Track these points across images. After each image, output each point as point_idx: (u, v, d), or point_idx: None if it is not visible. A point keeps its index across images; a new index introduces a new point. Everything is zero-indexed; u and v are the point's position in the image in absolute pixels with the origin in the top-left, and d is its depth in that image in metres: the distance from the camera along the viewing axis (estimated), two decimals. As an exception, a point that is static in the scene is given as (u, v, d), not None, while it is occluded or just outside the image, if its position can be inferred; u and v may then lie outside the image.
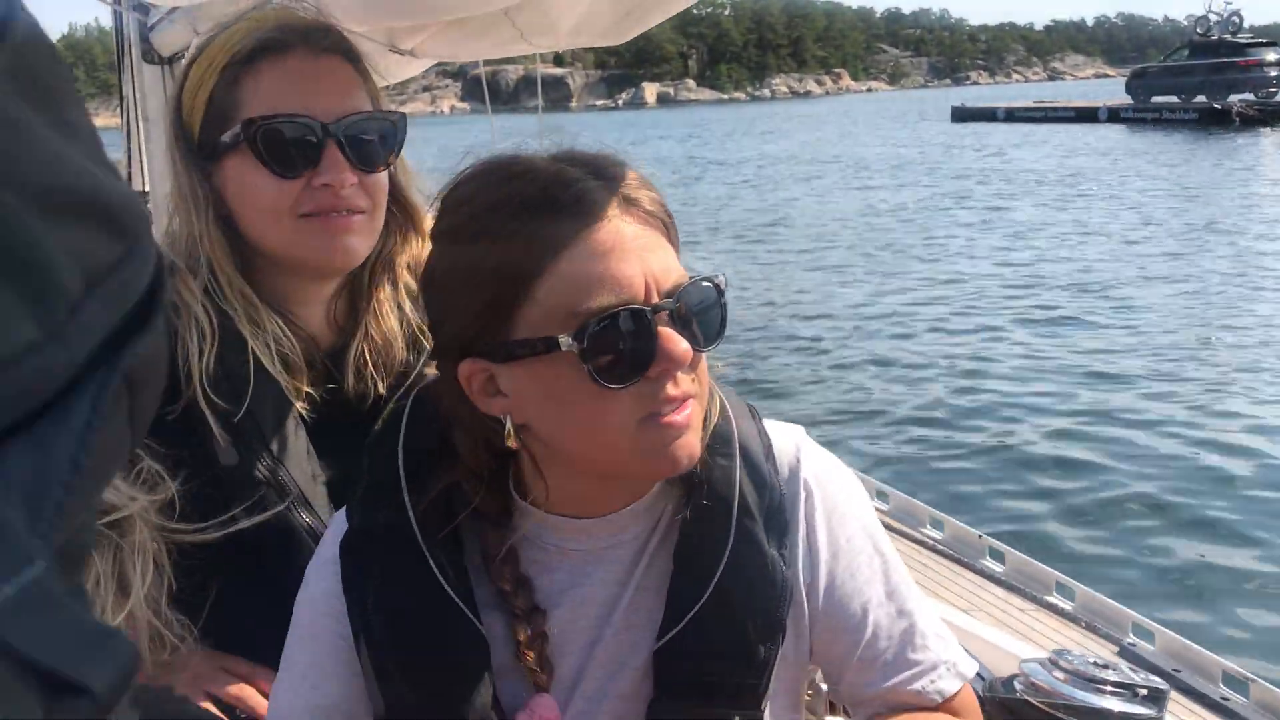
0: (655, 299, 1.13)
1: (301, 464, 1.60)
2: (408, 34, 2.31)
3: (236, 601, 1.55)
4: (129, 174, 4.73)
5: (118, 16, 4.42)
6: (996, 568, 3.67)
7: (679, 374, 1.14)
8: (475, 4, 1.73)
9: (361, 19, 2.03)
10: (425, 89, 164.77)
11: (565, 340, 1.11)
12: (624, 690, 1.26)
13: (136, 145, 4.64)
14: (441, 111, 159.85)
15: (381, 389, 1.69)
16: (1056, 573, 3.55)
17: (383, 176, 1.65)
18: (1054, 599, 3.45)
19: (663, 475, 1.22)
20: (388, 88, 2.09)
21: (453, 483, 1.26)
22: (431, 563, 1.22)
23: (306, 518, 1.56)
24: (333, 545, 1.31)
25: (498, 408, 1.19)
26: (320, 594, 1.30)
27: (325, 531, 1.38)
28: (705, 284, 1.18)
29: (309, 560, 1.40)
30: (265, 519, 1.54)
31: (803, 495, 1.31)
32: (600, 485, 1.26)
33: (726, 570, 1.24)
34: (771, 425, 1.37)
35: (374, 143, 1.62)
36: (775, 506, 1.29)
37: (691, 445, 1.17)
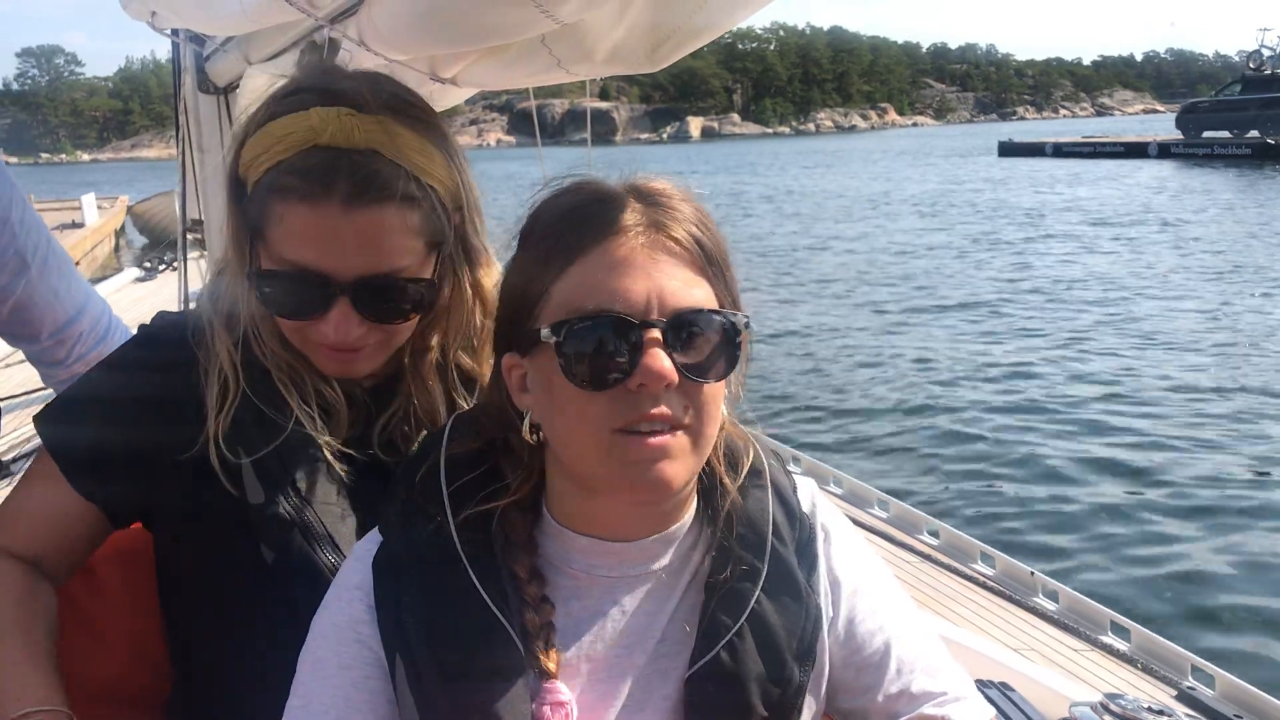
0: (653, 317, 1.15)
1: (329, 503, 1.56)
2: (447, 63, 2.33)
3: (263, 639, 1.53)
4: (183, 202, 4.81)
5: (175, 48, 4.51)
6: (1049, 605, 3.59)
7: (666, 396, 1.15)
8: (511, 31, 1.71)
9: (403, 49, 2.04)
10: (472, 122, 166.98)
11: (545, 331, 1.17)
12: (653, 719, 1.25)
13: (192, 174, 4.73)
14: (488, 144, 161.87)
15: (411, 445, 1.64)
16: (1111, 612, 3.46)
17: (404, 324, 1.57)
18: (1109, 639, 3.35)
19: (636, 496, 1.20)
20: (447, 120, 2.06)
21: (491, 500, 1.28)
22: (472, 574, 1.22)
23: (332, 557, 1.52)
24: (357, 572, 1.31)
25: (525, 402, 1.26)
26: (346, 622, 1.28)
27: (346, 563, 1.36)
28: (716, 317, 1.19)
29: None
30: (290, 558, 1.52)
31: (820, 534, 1.37)
32: (601, 507, 1.26)
33: (762, 596, 1.27)
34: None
35: (395, 299, 1.53)
36: (805, 539, 1.35)
37: (667, 474, 1.16)
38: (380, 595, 1.26)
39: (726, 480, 1.33)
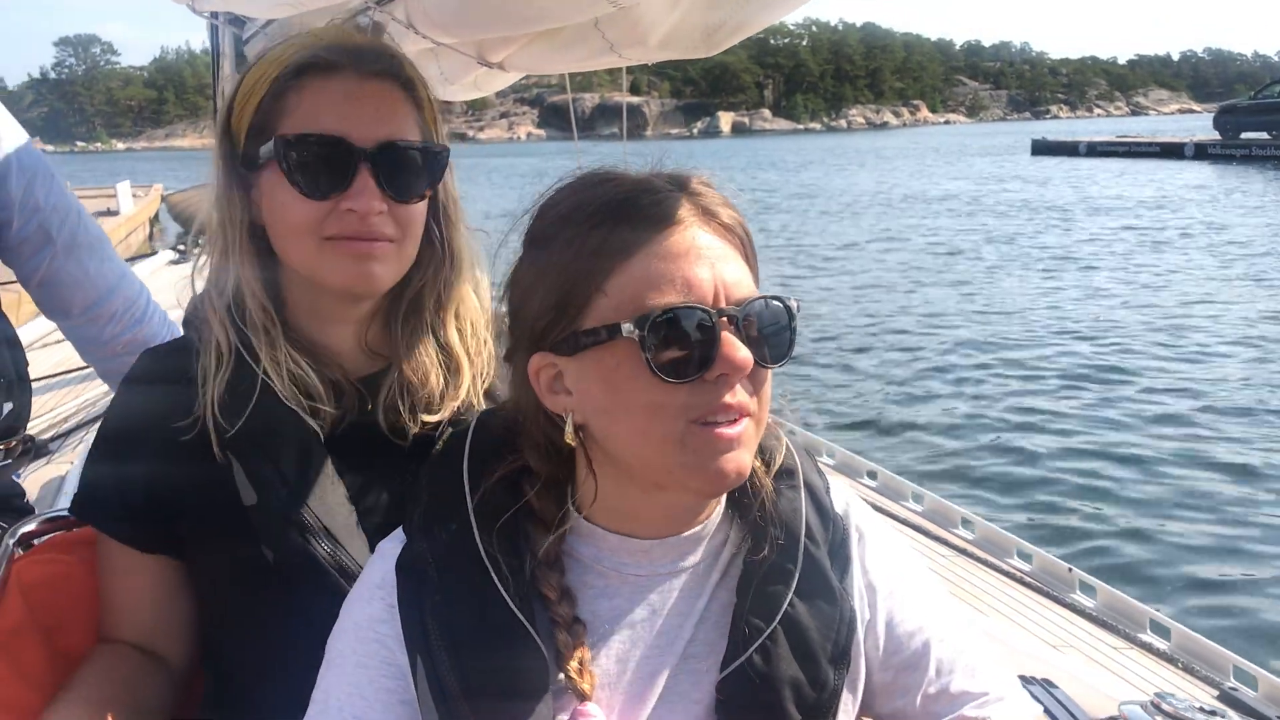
0: (723, 305, 1.15)
1: (324, 496, 1.57)
2: (496, 47, 2.30)
3: (265, 632, 1.57)
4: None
5: (214, 30, 4.51)
6: (1087, 602, 3.56)
7: (738, 385, 1.15)
8: (566, 14, 1.70)
9: (451, 31, 2.03)
10: (502, 115, 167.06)
11: (628, 326, 1.14)
12: None
13: None
14: (518, 138, 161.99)
15: (415, 425, 1.64)
16: (1151, 610, 3.42)
17: (417, 208, 1.60)
18: (1148, 637, 3.32)
19: (709, 487, 1.20)
20: (465, 110, 2.07)
21: (515, 500, 1.28)
22: (495, 579, 1.22)
23: (328, 548, 1.53)
24: (379, 570, 1.31)
25: (561, 404, 1.23)
26: (365, 620, 1.28)
27: (371, 560, 1.36)
28: (775, 302, 1.20)
29: (335, 590, 1.43)
30: (290, 555, 1.53)
31: (855, 536, 1.36)
32: (656, 502, 1.25)
33: (795, 598, 1.26)
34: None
35: (411, 173, 1.57)
36: (838, 540, 1.34)
37: (739, 462, 1.17)
38: (403, 597, 1.26)
39: (760, 476, 1.32)
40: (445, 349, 1.70)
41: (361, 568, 1.47)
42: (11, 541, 1.80)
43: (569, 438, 1.23)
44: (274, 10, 2.82)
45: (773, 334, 1.19)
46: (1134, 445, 9.93)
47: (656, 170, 1.25)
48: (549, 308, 1.21)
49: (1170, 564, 7.25)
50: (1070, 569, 3.71)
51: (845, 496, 1.41)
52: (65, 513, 1.88)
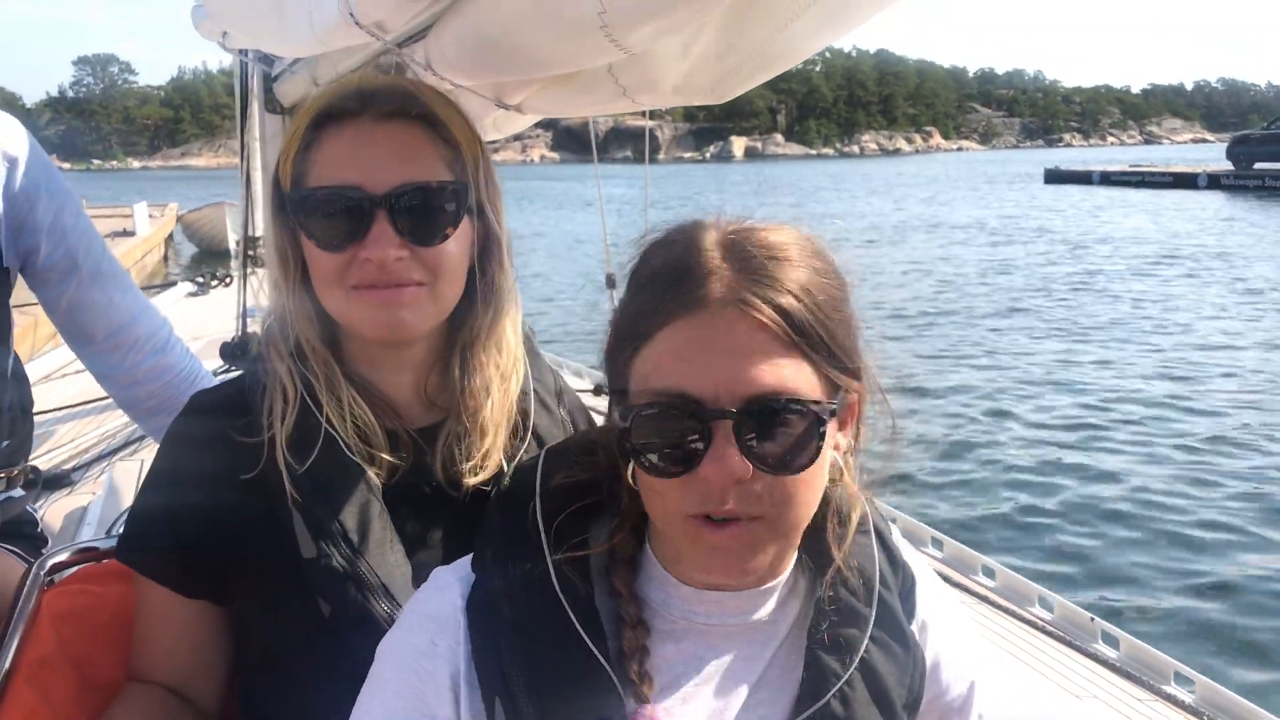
0: (722, 404, 1.09)
1: (383, 551, 1.55)
2: (513, 90, 2.32)
3: (311, 683, 1.54)
4: (247, 221, 4.89)
5: (243, 67, 4.58)
6: (1110, 653, 3.50)
7: (741, 488, 1.10)
8: (577, 60, 1.68)
9: (468, 74, 2.03)
10: (516, 138, 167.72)
11: (616, 414, 1.16)
12: None
13: (256, 192, 4.80)
14: (532, 160, 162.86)
15: (471, 477, 1.62)
16: (1175, 661, 3.36)
17: (447, 248, 1.56)
18: (1172, 689, 3.26)
19: (713, 578, 1.19)
20: (493, 143, 2.08)
21: (593, 538, 1.26)
22: (572, 617, 1.19)
23: (386, 606, 1.51)
24: (433, 601, 1.28)
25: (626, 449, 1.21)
26: (410, 650, 1.26)
27: (425, 588, 1.34)
28: (794, 405, 1.11)
29: None
30: (346, 610, 1.51)
31: (915, 579, 1.36)
32: None
33: (870, 644, 1.24)
34: None
35: (431, 214, 1.54)
36: (908, 587, 1.33)
37: (746, 564, 1.14)
38: (477, 637, 1.23)
39: (832, 540, 1.28)
40: (489, 392, 1.67)
41: None
42: (42, 572, 1.81)
43: (629, 480, 1.21)
44: (301, 51, 2.83)
45: (789, 438, 1.11)
46: (1150, 488, 9.82)
47: (739, 232, 1.18)
48: (609, 357, 1.23)
49: (1195, 615, 7.13)
50: (1093, 618, 3.66)
51: (902, 541, 1.39)
52: (95, 544, 1.90)
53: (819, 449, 1.13)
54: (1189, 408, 12.73)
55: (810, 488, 1.16)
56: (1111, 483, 9.95)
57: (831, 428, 1.16)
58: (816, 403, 1.12)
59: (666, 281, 1.16)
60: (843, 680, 1.21)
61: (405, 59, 2.17)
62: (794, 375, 1.12)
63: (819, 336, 1.14)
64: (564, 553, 1.24)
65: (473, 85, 2.22)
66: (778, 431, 1.10)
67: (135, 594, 1.64)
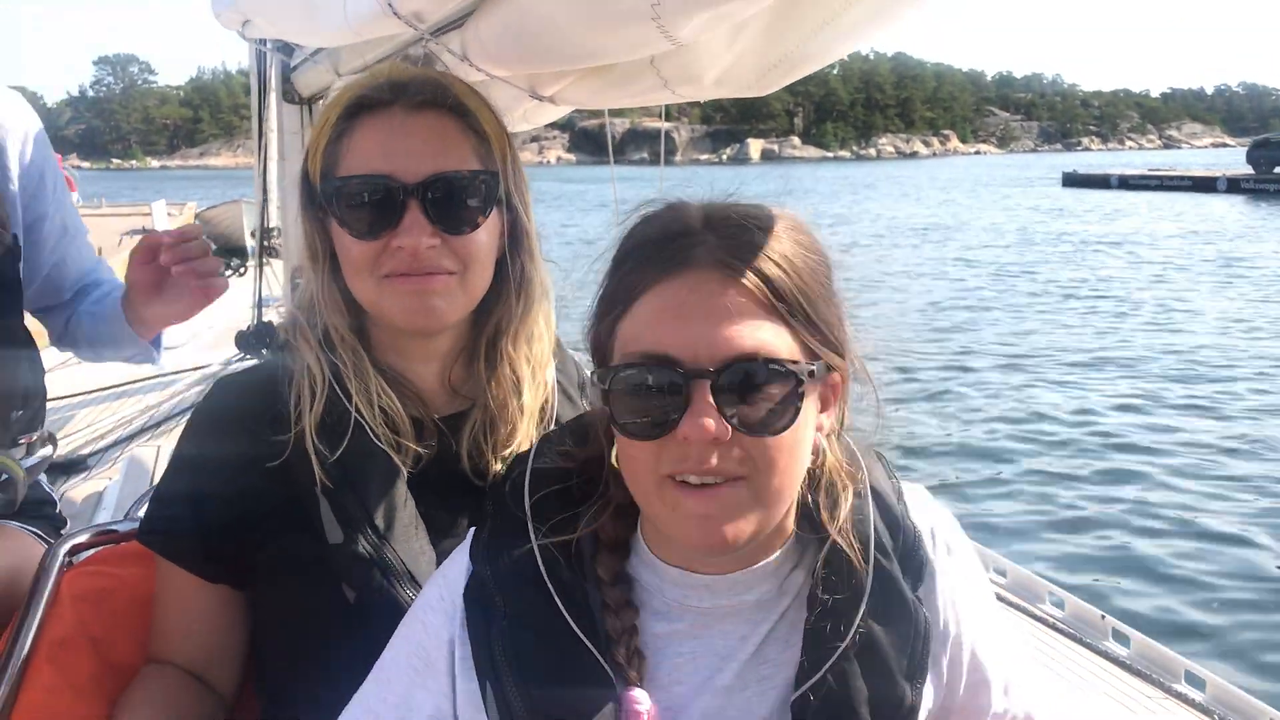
0: (702, 364, 1.09)
1: (409, 538, 1.56)
2: (549, 81, 2.29)
3: (333, 669, 1.53)
4: (262, 209, 4.89)
5: (260, 57, 4.55)
6: (1120, 650, 3.47)
7: (720, 449, 1.10)
8: (623, 51, 1.65)
9: (506, 65, 2.00)
10: (533, 139, 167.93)
11: (594, 376, 1.16)
12: None
13: (272, 183, 4.77)
14: (548, 162, 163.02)
15: (497, 464, 1.64)
16: (1186, 660, 3.35)
17: (478, 237, 1.57)
18: (1183, 688, 3.25)
19: (694, 546, 1.16)
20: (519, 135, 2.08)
21: (578, 522, 1.26)
22: (560, 604, 1.20)
23: (411, 593, 1.52)
24: (437, 592, 1.32)
25: (613, 433, 1.21)
26: (416, 639, 1.31)
27: (432, 579, 1.37)
28: (774, 366, 1.11)
29: None
30: (372, 596, 1.52)
31: (929, 540, 1.30)
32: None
33: (868, 611, 1.21)
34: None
35: (463, 203, 1.55)
36: (909, 548, 1.28)
37: (724, 529, 1.11)
38: (472, 623, 1.25)
39: (825, 518, 1.25)
40: (519, 383, 1.69)
41: None
42: (63, 552, 1.82)
43: (612, 462, 1.23)
44: (332, 41, 2.79)
45: (769, 400, 1.11)
46: (1164, 487, 9.81)
47: (719, 207, 1.19)
48: (594, 336, 1.23)
49: (1206, 611, 7.11)
50: (1103, 616, 3.65)
51: (920, 500, 1.34)
52: (114, 526, 1.91)
53: (797, 411, 1.12)
54: (1198, 405, 12.73)
55: (790, 454, 1.14)
56: (1127, 483, 9.92)
57: (812, 401, 1.16)
58: (794, 362, 1.12)
59: (649, 249, 1.16)
60: (837, 654, 1.19)
61: (436, 49, 2.15)
62: (773, 339, 1.12)
63: (799, 304, 1.14)
64: (549, 537, 1.24)
65: (508, 76, 2.20)
66: (756, 393, 1.10)
67: (156, 577, 1.66)
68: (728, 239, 1.14)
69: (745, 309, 1.11)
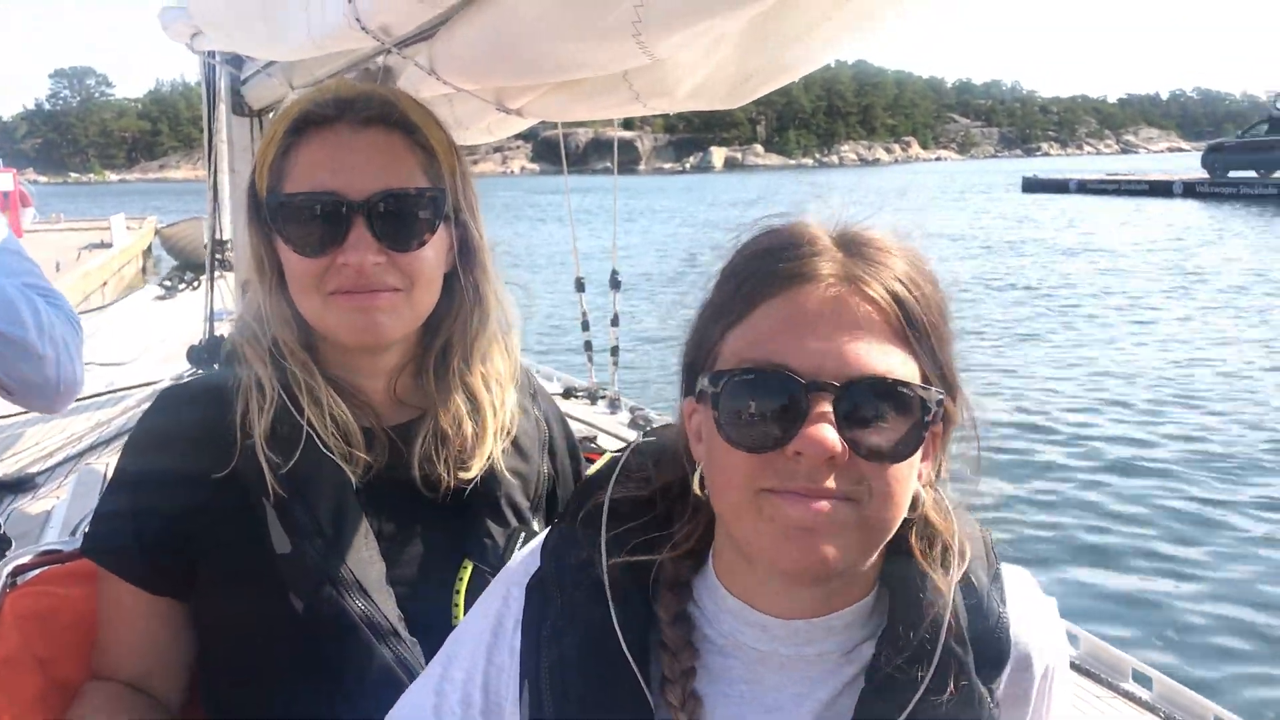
0: (826, 378, 1.03)
1: (359, 550, 1.56)
2: (516, 94, 2.27)
3: (282, 683, 1.55)
4: (212, 222, 4.85)
5: (210, 69, 4.47)
6: (1142, 693, 3.32)
7: (832, 471, 1.02)
8: (599, 65, 1.65)
9: (475, 78, 2.00)
10: (496, 149, 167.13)
11: (703, 381, 1.10)
12: None
13: (222, 196, 4.70)
14: (511, 172, 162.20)
15: (449, 478, 1.64)
16: (1213, 705, 3.21)
17: (424, 254, 1.58)
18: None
19: (782, 565, 1.06)
20: (472, 153, 2.05)
21: (652, 546, 1.21)
22: (614, 618, 1.16)
23: (361, 604, 1.52)
24: (505, 585, 1.31)
25: (698, 452, 1.17)
26: (477, 632, 1.30)
27: (506, 567, 1.38)
28: (903, 390, 1.05)
29: (363, 646, 1.46)
30: (320, 607, 1.52)
31: (1032, 647, 1.22)
32: (769, 577, 1.14)
33: (924, 698, 1.13)
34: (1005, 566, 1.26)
35: (410, 220, 1.55)
36: (990, 637, 1.18)
37: (819, 547, 1.03)
38: (528, 618, 1.24)
39: (936, 577, 1.16)
40: (473, 400, 1.69)
41: (390, 623, 1.49)
42: (6, 573, 1.83)
43: (696, 488, 1.17)
44: (292, 55, 2.71)
45: (891, 425, 1.04)
46: (1170, 517, 9.41)
47: (845, 231, 1.14)
48: (690, 352, 1.18)
49: (1232, 656, 6.75)
50: (1123, 656, 3.47)
51: (1028, 594, 1.25)
52: (58, 546, 1.91)
53: (919, 442, 1.06)
54: (1192, 421, 12.51)
55: (904, 486, 1.07)
56: (1091, 488, 9.93)
57: (927, 435, 1.08)
58: (925, 388, 1.06)
59: (771, 259, 1.10)
60: None
61: (400, 63, 2.14)
62: (902, 364, 1.06)
63: (927, 333, 1.09)
64: (622, 551, 1.20)
65: (476, 89, 2.18)
66: (880, 415, 1.03)
67: (99, 591, 1.65)
68: (859, 255, 1.10)
69: (876, 327, 1.06)
